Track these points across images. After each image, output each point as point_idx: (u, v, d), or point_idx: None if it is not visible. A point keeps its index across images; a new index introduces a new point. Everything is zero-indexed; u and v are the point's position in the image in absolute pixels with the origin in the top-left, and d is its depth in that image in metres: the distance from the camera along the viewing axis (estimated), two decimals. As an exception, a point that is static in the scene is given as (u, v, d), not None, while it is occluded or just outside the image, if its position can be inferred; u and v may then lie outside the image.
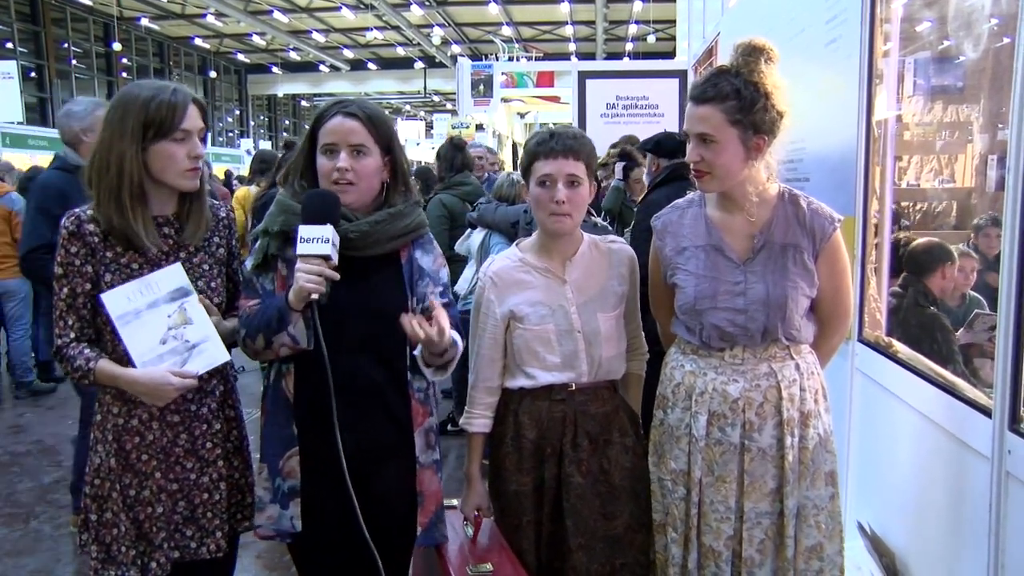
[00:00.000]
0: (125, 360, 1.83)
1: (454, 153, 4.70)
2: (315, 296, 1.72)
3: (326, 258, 1.73)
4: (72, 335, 1.84)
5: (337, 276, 1.74)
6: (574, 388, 2.05)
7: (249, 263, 1.91)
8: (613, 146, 5.54)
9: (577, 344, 2.03)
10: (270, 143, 33.61)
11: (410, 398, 1.95)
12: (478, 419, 2.11)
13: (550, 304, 2.04)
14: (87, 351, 1.83)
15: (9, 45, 20.62)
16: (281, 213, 1.89)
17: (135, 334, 1.81)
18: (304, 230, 1.73)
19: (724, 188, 1.93)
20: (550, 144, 1.99)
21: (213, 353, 1.87)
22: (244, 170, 14.54)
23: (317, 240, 1.72)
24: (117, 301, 1.81)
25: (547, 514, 2.06)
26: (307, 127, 1.96)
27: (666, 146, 3.93)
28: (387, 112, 2.02)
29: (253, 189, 6.08)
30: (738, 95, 1.83)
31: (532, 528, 2.07)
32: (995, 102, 2.92)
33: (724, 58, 5.00)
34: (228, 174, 15.00)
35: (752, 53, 1.85)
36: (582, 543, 2.01)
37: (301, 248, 1.73)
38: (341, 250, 1.78)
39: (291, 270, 1.84)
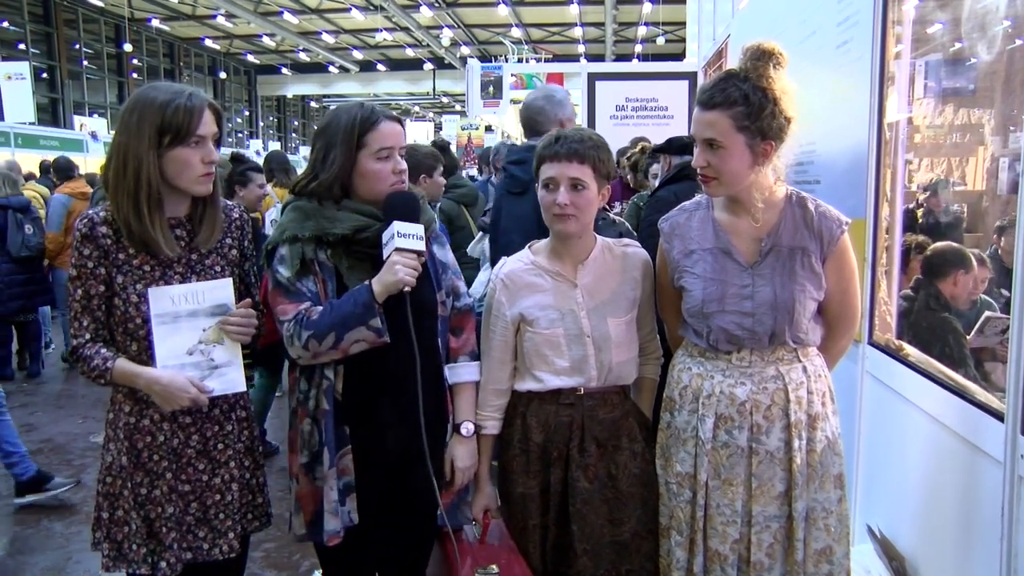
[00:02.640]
0: (140, 361, 1.85)
1: (442, 156, 4.63)
2: (408, 288, 1.81)
3: (420, 253, 1.84)
4: (88, 335, 1.86)
5: (420, 270, 1.86)
6: (583, 392, 2.05)
7: (285, 271, 1.88)
8: (621, 153, 5.53)
9: (586, 349, 2.03)
10: (279, 144, 33.77)
11: (444, 390, 2.01)
12: (487, 420, 2.11)
13: (560, 308, 2.04)
14: (104, 351, 1.84)
15: (21, 46, 20.76)
16: (309, 218, 1.90)
17: (166, 337, 1.83)
18: (401, 226, 1.84)
19: (730, 193, 1.93)
20: (555, 147, 1.99)
21: (232, 379, 1.89)
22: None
23: (413, 236, 1.84)
24: (161, 300, 1.82)
25: (553, 518, 2.05)
26: (351, 132, 1.92)
27: (675, 144, 3.97)
28: (397, 113, 2.05)
29: (269, 188, 6.10)
30: (746, 101, 1.82)
31: (538, 532, 2.07)
32: (1008, 104, 2.91)
33: (734, 60, 4.99)
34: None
35: (761, 57, 1.83)
36: (587, 548, 2.01)
37: (399, 242, 1.83)
38: (369, 249, 1.89)
39: (328, 273, 1.90)
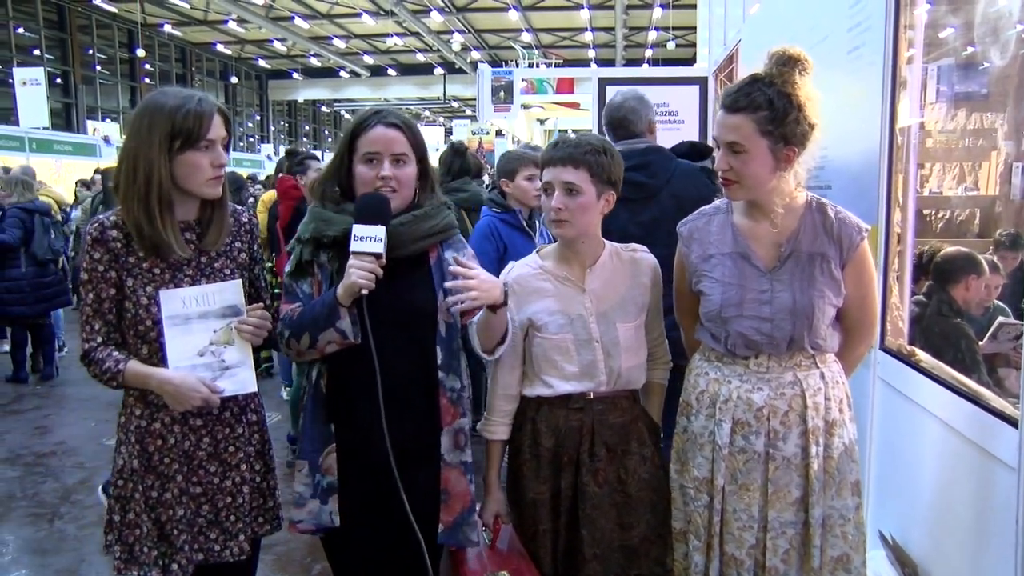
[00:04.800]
0: (151, 364, 1.86)
1: (453, 159, 4.62)
2: (365, 291, 1.80)
3: (377, 256, 1.82)
4: (99, 339, 1.87)
5: (381, 273, 1.83)
6: (592, 397, 2.05)
7: (287, 270, 1.97)
8: None
9: (595, 354, 2.03)
10: (290, 148, 33.85)
11: (439, 397, 1.97)
12: (497, 426, 2.11)
13: (568, 313, 2.04)
14: (116, 353, 1.85)
15: (36, 52, 20.94)
16: (312, 220, 1.95)
17: (177, 339, 1.84)
18: (358, 229, 1.83)
19: (751, 197, 1.93)
20: (552, 152, 2.02)
21: (243, 380, 1.90)
22: (263, 174, 14.63)
23: (370, 239, 1.82)
24: (172, 302, 1.84)
25: (564, 523, 2.05)
26: (341, 135, 2.00)
27: (679, 153, 3.96)
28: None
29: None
30: (771, 106, 1.81)
31: (549, 537, 2.07)
32: (1021, 108, 2.90)
33: (745, 65, 4.99)
34: (250, 179, 15.08)
35: (787, 63, 1.83)
36: (597, 553, 2.00)
37: (355, 245, 1.82)
38: None
39: (325, 274, 1.93)
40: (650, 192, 2.86)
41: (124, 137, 1.90)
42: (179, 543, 1.89)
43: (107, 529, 1.94)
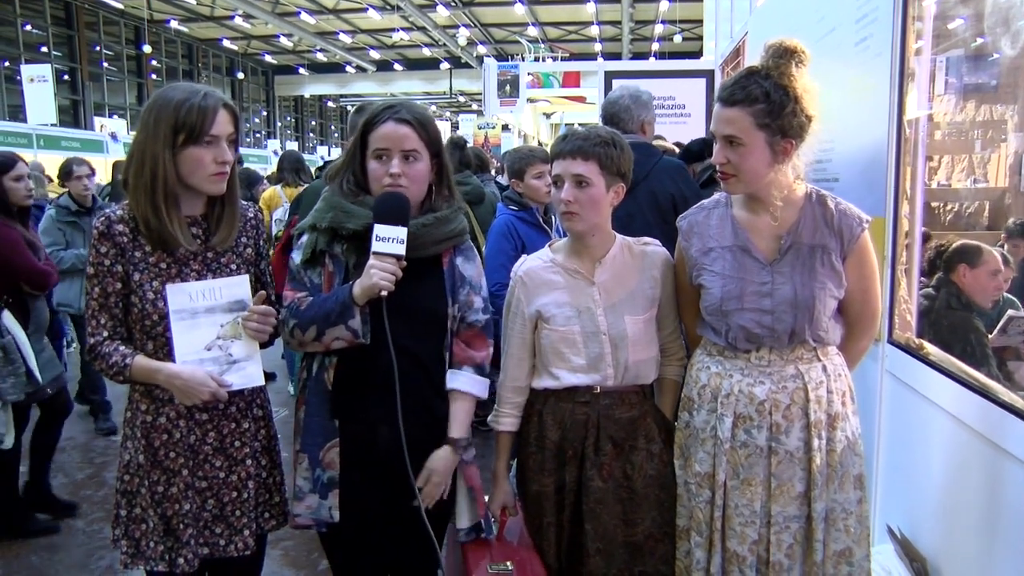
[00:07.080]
0: (156, 359, 1.86)
1: (452, 152, 4.60)
2: (384, 293, 1.80)
3: (398, 257, 1.82)
4: (105, 333, 1.87)
5: (400, 275, 1.82)
6: (599, 391, 2.04)
7: (297, 257, 1.96)
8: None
9: (603, 347, 2.02)
10: (297, 144, 33.98)
11: (447, 400, 1.98)
12: (505, 418, 2.11)
13: (577, 305, 2.04)
14: (122, 348, 1.86)
15: (44, 49, 21.02)
16: (330, 210, 1.93)
17: (184, 333, 1.84)
18: (381, 229, 1.82)
19: (749, 191, 1.92)
20: (561, 145, 2.01)
21: (251, 374, 1.90)
22: (270, 170, 14.65)
23: (393, 240, 1.82)
24: (179, 296, 1.84)
25: (567, 517, 2.05)
26: (357, 130, 1.98)
27: (693, 151, 3.94)
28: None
29: (279, 189, 6.12)
30: (767, 98, 1.81)
31: (553, 530, 2.07)
32: (1031, 100, 2.88)
33: (752, 58, 4.96)
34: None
35: (783, 55, 1.82)
36: (600, 548, 2.00)
37: (377, 246, 1.81)
38: None
39: (339, 266, 1.91)
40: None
41: (135, 132, 1.91)
42: (185, 537, 1.89)
43: (114, 524, 1.95)
